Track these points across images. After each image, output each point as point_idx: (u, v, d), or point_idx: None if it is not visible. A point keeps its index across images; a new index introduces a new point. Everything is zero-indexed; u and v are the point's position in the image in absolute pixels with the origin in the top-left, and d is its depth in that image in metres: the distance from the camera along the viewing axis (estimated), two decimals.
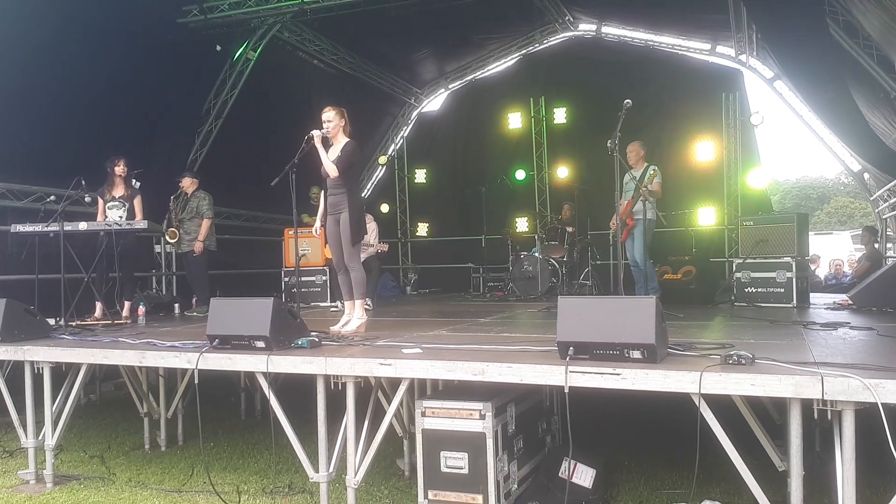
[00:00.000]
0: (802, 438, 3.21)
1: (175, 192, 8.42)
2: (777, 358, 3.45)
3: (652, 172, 7.47)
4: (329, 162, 5.51)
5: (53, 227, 6.56)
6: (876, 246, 11.06)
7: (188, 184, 8.36)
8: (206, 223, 8.17)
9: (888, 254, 11.03)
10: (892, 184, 10.22)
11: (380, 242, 9.06)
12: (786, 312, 6.81)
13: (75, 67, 8.07)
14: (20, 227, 6.75)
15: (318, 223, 5.92)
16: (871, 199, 11.85)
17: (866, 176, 11.74)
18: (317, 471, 4.26)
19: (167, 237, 8.29)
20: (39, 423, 5.18)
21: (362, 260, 8.18)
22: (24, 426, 5.22)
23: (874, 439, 2.96)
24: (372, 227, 8.91)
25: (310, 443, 4.32)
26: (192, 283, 8.44)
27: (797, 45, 7.36)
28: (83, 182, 6.86)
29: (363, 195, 13.74)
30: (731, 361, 3.38)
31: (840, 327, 5.25)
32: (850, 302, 7.11)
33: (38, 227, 6.64)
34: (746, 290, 7.72)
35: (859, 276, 10.07)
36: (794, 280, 7.40)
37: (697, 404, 3.27)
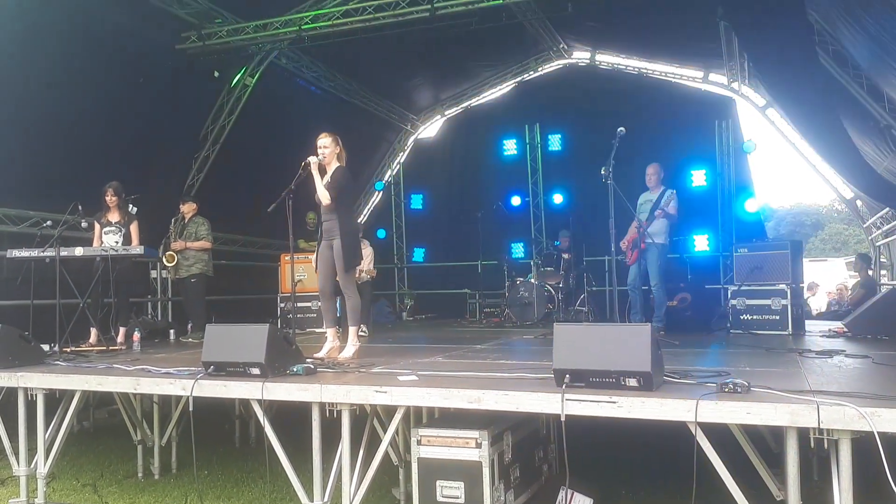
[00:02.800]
0: (799, 467, 3.21)
1: (174, 215, 8.44)
2: (773, 386, 3.45)
3: (670, 195, 7.54)
4: (322, 189, 5.53)
5: (50, 253, 6.56)
6: (870, 273, 11.11)
7: (188, 209, 8.37)
8: (202, 243, 8.18)
9: (882, 281, 11.07)
10: (885, 211, 10.31)
11: (372, 268, 9.07)
12: (781, 340, 6.82)
13: (73, 92, 8.13)
14: (16, 253, 6.75)
15: (317, 252, 5.88)
16: (865, 226, 11.94)
17: (859, 203, 11.84)
18: (311, 500, 4.21)
19: (164, 260, 8.28)
20: (32, 451, 5.12)
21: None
22: (17, 454, 5.16)
23: (871, 468, 2.95)
24: (368, 252, 8.91)
25: (304, 471, 4.29)
26: (190, 309, 8.41)
27: (788, 75, 7.46)
28: (80, 207, 6.87)
29: (360, 220, 13.78)
30: (726, 389, 3.38)
31: (835, 355, 5.26)
32: (845, 329, 7.13)
33: (35, 253, 6.64)
34: (742, 318, 7.73)
35: (854, 304, 10.10)
36: (789, 307, 7.42)
37: (694, 433, 3.27)
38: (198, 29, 9.53)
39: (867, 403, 3.03)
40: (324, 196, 5.53)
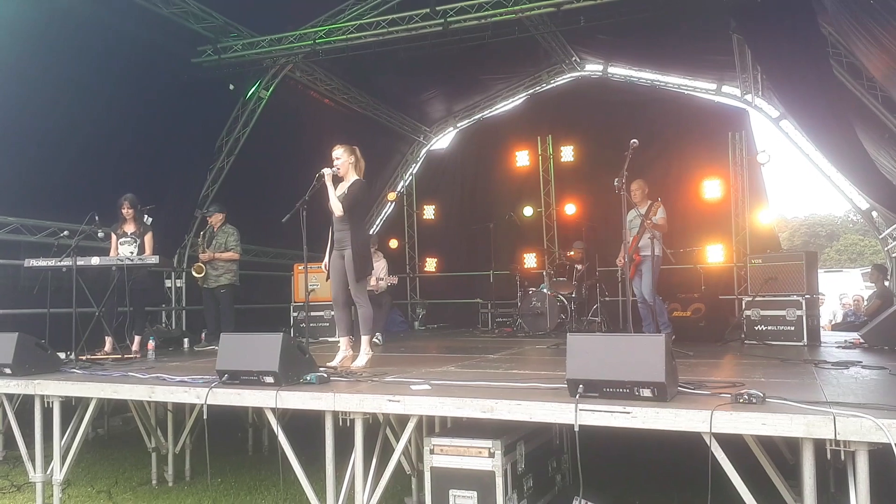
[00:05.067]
0: (816, 479, 3.17)
1: (188, 227, 8.51)
2: (788, 397, 3.43)
3: (655, 206, 7.52)
4: (335, 200, 5.58)
5: (66, 262, 6.64)
6: (886, 284, 11.00)
7: (215, 220, 8.45)
8: (231, 254, 8.25)
9: None
10: None
11: (389, 276, 9.14)
12: (796, 351, 6.77)
13: (90, 104, 8.25)
14: (34, 262, 6.83)
15: (326, 258, 5.93)
16: (881, 237, 11.83)
17: (875, 214, 11.74)
18: None
19: (193, 272, 8.36)
20: (48, 458, 5.17)
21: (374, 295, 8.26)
22: (33, 460, 5.21)
23: (889, 480, 2.93)
24: (382, 263, 8.96)
25: (318, 479, 4.30)
26: (211, 318, 8.44)
27: (802, 86, 7.45)
28: (96, 217, 6.95)
29: (372, 231, 13.83)
30: (741, 400, 3.37)
31: (851, 366, 5.22)
32: (861, 340, 7.07)
33: (52, 262, 6.72)
34: (756, 328, 7.68)
35: (870, 315, 10.00)
36: (804, 318, 7.36)
37: (709, 443, 3.25)
38: (213, 43, 9.66)
39: (884, 415, 3.01)
40: (336, 207, 5.58)
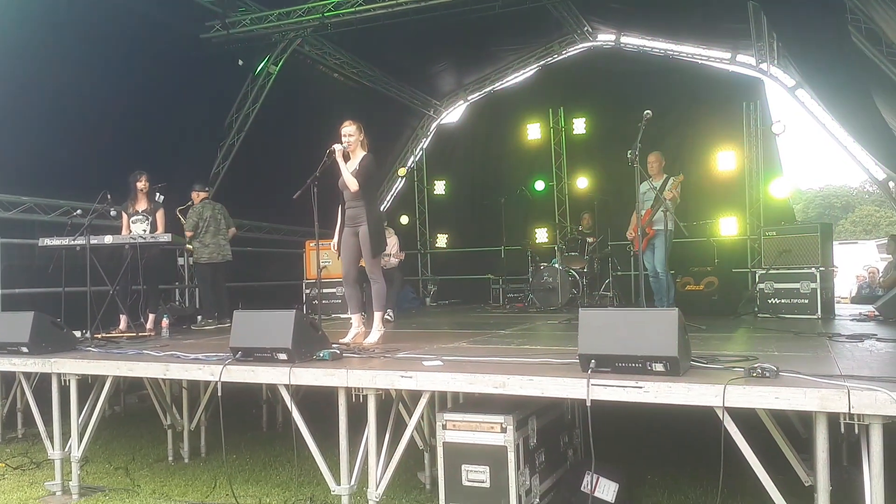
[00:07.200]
0: (829, 452, 3.16)
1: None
2: (802, 371, 3.41)
3: (674, 181, 7.45)
4: (350, 176, 5.55)
5: (80, 241, 6.68)
6: None
7: (194, 197, 8.46)
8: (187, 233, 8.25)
9: None
10: None
11: (399, 252, 9.16)
12: (810, 324, 6.73)
13: (100, 82, 8.24)
14: (48, 241, 6.88)
15: (336, 238, 5.89)
16: None
17: (891, 184, 11.58)
18: (338, 483, 4.26)
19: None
20: (66, 435, 5.24)
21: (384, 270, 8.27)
22: (51, 438, 5.29)
23: None
24: (393, 240, 8.96)
25: (331, 455, 4.34)
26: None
27: (818, 54, 7.30)
28: (109, 196, 6.97)
29: (382, 208, 13.82)
30: (754, 374, 3.34)
31: (866, 339, 5.17)
32: (876, 313, 7.01)
33: (66, 241, 6.76)
34: (770, 301, 7.63)
35: (886, 287, 9.91)
36: (818, 291, 7.31)
37: (721, 418, 3.24)
38: (222, 18, 9.58)
39: None
40: (351, 183, 5.55)
